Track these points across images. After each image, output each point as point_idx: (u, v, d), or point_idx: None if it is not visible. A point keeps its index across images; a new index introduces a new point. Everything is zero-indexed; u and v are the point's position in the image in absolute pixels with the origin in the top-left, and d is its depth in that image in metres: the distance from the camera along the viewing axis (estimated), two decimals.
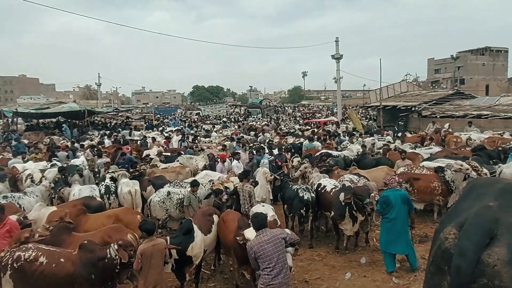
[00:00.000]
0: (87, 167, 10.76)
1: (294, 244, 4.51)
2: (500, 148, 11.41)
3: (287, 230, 4.67)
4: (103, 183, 8.58)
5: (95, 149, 13.54)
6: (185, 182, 8.29)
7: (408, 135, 16.64)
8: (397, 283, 5.72)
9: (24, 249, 4.54)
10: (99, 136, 20.11)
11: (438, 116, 20.68)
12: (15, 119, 26.99)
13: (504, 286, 1.46)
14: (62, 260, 4.48)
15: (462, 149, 12.40)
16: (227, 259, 6.17)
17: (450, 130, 16.55)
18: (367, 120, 28.25)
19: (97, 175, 10.41)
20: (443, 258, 1.64)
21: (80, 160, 11.76)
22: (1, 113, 25.13)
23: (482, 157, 9.91)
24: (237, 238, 4.88)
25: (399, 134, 16.55)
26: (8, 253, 4.55)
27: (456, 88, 32.42)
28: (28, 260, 4.40)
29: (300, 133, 18.65)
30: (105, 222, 6.21)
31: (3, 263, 4.48)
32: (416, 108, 22.52)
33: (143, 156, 12.88)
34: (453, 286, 1.56)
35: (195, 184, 7.25)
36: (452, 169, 8.24)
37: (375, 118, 26.55)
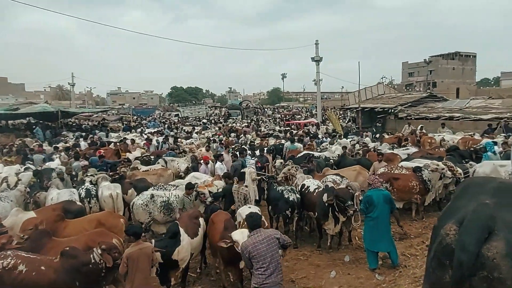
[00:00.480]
0: (64, 170, 10.41)
1: (286, 247, 4.54)
2: (471, 149, 11.93)
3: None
4: (83, 186, 8.32)
5: (72, 151, 13.15)
6: (169, 185, 8.17)
7: (386, 136, 17.13)
8: (380, 280, 5.87)
9: (2, 256, 4.36)
10: (74, 138, 19.52)
11: (413, 118, 21.39)
12: None
13: (502, 278, 1.55)
14: (43, 268, 4.34)
15: (436, 149, 12.91)
16: (214, 261, 6.14)
17: (424, 131, 17.18)
18: (346, 121, 28.81)
19: (75, 179, 10.11)
20: (445, 253, 1.72)
21: (55, 163, 11.38)
22: None
23: (456, 157, 10.35)
24: (223, 242, 4.85)
25: (377, 136, 16.99)
26: None
27: (429, 91, 33.60)
28: (6, 268, 4.23)
29: (280, 134, 18.79)
30: (87, 227, 6.03)
31: None
32: (393, 110, 23.19)
33: (120, 159, 12.54)
34: (455, 279, 1.64)
35: (189, 187, 7.19)
36: (429, 169, 8.58)
37: (354, 119, 27.11)
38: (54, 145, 15.80)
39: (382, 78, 62.65)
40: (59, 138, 20.26)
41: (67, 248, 4.56)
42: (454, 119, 20.11)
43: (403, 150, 12.47)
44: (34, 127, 25.54)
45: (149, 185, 8.58)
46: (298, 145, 13.78)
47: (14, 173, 9.53)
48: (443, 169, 8.48)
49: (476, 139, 14.03)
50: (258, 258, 4.23)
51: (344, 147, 12.47)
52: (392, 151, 12.11)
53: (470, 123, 18.98)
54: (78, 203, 7.45)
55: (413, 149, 12.36)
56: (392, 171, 9.15)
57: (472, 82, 65.99)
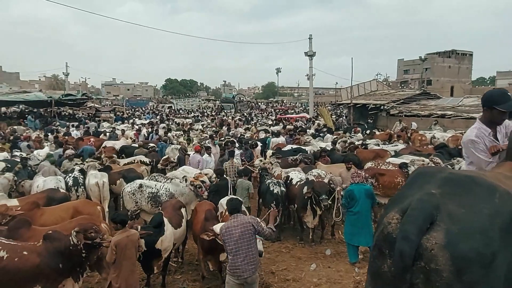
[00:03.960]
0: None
1: (266, 237, 4.56)
2: (460, 146, 12.03)
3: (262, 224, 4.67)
4: (70, 174, 8.25)
5: (58, 140, 13.12)
6: (162, 177, 8.04)
7: (377, 132, 17.21)
8: (359, 273, 5.95)
9: None
10: (65, 127, 19.43)
11: (405, 115, 21.50)
12: None
13: (439, 269, 1.57)
14: (25, 253, 4.32)
15: (425, 147, 13.01)
16: (196, 250, 6.19)
17: (415, 128, 17.32)
18: (337, 117, 28.89)
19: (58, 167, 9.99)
20: (385, 242, 1.73)
21: (44, 151, 11.32)
22: None
23: (444, 154, 10.44)
24: (205, 234, 4.89)
25: (368, 132, 17.08)
26: None
27: (423, 88, 33.73)
28: None
29: (269, 128, 18.79)
30: (63, 215, 5.93)
31: None
32: (385, 107, 23.29)
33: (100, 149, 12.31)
34: (395, 269, 1.66)
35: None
36: (415, 165, 8.64)
37: (346, 115, 27.19)
38: (44, 134, 15.75)
39: (377, 75, 62.63)
40: (50, 127, 20.15)
41: (50, 232, 4.55)
42: (446, 117, 20.27)
43: (392, 146, 12.55)
44: (26, 115, 25.39)
45: (139, 176, 8.55)
46: (282, 138, 13.81)
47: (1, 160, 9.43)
48: (428, 164, 8.55)
49: None
50: (230, 242, 4.30)
51: (333, 143, 12.52)
52: (382, 147, 12.18)
53: (462, 121, 19.12)
54: (62, 190, 7.40)
55: (401, 146, 12.45)
56: (378, 167, 9.21)
57: (468, 81, 66.25)
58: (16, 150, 11.77)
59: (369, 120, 23.21)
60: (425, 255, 1.58)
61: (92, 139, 13.98)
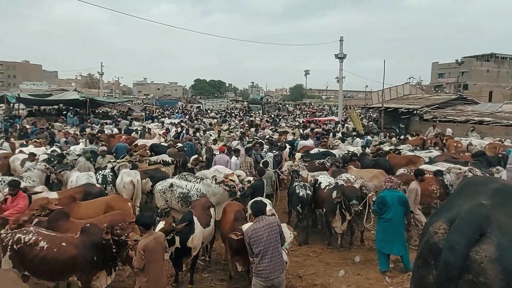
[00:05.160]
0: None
1: (282, 244, 4.51)
2: (500, 155, 11.44)
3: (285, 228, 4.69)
4: (100, 172, 8.52)
5: (94, 137, 13.68)
6: (193, 176, 8.14)
7: (410, 138, 16.68)
8: (390, 282, 5.77)
9: (24, 232, 4.59)
10: (100, 125, 20.24)
11: (439, 121, 20.70)
12: (16, 105, 26.99)
13: (488, 284, 1.49)
14: (64, 244, 4.53)
15: (461, 154, 12.45)
16: (224, 249, 6.24)
17: (450, 135, 16.63)
18: (368, 121, 28.24)
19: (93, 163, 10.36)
20: (431, 251, 1.67)
21: (79, 147, 11.84)
22: (4, 98, 25.09)
23: (482, 163, 9.94)
24: (233, 234, 4.91)
25: (401, 137, 16.60)
26: (10, 234, 4.60)
27: (459, 93, 32.33)
28: (27, 243, 4.44)
29: (291, 130, 18.73)
30: (97, 209, 6.20)
31: (3, 244, 4.54)
32: (418, 112, 22.51)
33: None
34: (439, 280, 1.59)
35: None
36: (451, 173, 8.28)
37: (376, 119, 26.53)
38: (80, 130, 16.50)
39: (409, 78, 60.77)
40: (86, 124, 21.04)
41: (88, 225, 4.74)
42: (484, 123, 19.34)
43: (426, 152, 12.11)
44: (64, 112, 26.67)
45: (165, 176, 8.71)
46: (310, 141, 13.74)
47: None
48: (465, 173, 8.17)
49: (506, 145, 13.45)
50: (257, 244, 4.28)
51: (363, 147, 12.26)
52: (415, 153, 11.79)
53: (501, 128, 18.22)
54: (98, 185, 7.70)
55: (436, 152, 11.98)
56: (412, 174, 8.90)
57: (508, 86, 62.79)
58: (56, 144, 12.40)
59: (400, 125, 22.52)
60: (473, 268, 1.50)
61: (123, 137, 14.46)
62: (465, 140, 15.07)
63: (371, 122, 26.56)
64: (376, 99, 27.93)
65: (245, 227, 4.87)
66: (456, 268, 1.53)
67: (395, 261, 6.37)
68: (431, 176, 8.59)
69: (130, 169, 8.62)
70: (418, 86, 44.96)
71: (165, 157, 10.96)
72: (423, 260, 1.69)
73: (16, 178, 7.08)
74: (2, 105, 26.26)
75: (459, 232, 1.58)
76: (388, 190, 6.18)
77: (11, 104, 26.38)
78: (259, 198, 5.84)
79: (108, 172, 8.47)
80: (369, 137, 15.73)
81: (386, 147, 12.90)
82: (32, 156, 9.34)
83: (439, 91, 49.18)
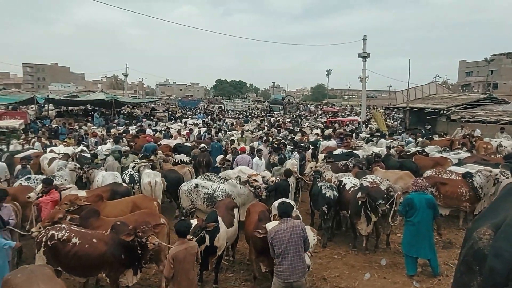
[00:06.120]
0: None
1: (306, 248, 4.47)
2: None
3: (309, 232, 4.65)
4: (126, 172, 8.71)
5: (120, 136, 14.05)
6: (217, 177, 8.20)
7: (436, 138, 16.20)
8: (419, 287, 5.62)
9: (58, 228, 4.77)
10: (124, 125, 20.76)
11: (467, 121, 19.97)
12: (46, 106, 28.06)
13: None
14: (95, 240, 4.68)
15: (492, 155, 11.96)
16: (248, 250, 6.26)
17: (479, 135, 16.00)
18: (392, 121, 27.62)
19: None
20: (475, 258, 1.61)
21: (107, 147, 12.17)
22: (34, 99, 26.17)
23: None
24: (257, 232, 4.92)
25: (428, 138, 16.12)
26: (43, 231, 4.78)
27: (488, 92, 31.09)
28: (61, 240, 4.61)
29: (309, 131, 18.56)
30: (123, 208, 6.38)
31: (38, 240, 4.73)
32: (445, 112, 21.81)
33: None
34: (484, 287, 1.53)
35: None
36: (482, 176, 7.98)
37: (401, 119, 25.91)
38: (106, 130, 16.99)
39: (435, 77, 58.95)
40: (112, 124, 21.62)
41: (118, 223, 4.86)
42: None
43: (454, 154, 11.73)
44: (91, 113, 27.54)
45: (180, 176, 8.85)
46: (332, 142, 13.66)
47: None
48: (496, 175, 7.85)
49: None
50: (278, 245, 4.30)
51: (388, 148, 12.00)
52: (442, 155, 11.44)
53: None
54: (125, 185, 7.88)
55: (465, 154, 11.58)
56: (440, 175, 8.66)
57: None
58: (83, 142, 12.84)
59: (426, 126, 21.89)
60: None
61: (148, 137, 14.77)
62: (495, 141, 14.48)
63: (396, 123, 25.95)
64: (401, 98, 27.27)
65: (269, 226, 4.87)
66: (502, 276, 1.47)
67: (423, 265, 6.20)
68: (460, 178, 8.33)
69: (151, 170, 8.74)
70: (444, 86, 43.62)
71: (183, 157, 11.13)
72: (467, 266, 1.63)
73: (49, 177, 7.34)
74: (32, 106, 27.35)
75: (505, 239, 1.52)
76: (416, 192, 6.02)
77: (41, 105, 27.48)
78: (286, 200, 5.80)
79: (135, 171, 8.65)
80: (410, 138, 15.23)
81: (412, 148, 12.57)
82: (66, 156, 9.69)
83: (467, 90, 47.56)
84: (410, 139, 15.28)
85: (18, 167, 8.92)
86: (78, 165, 8.84)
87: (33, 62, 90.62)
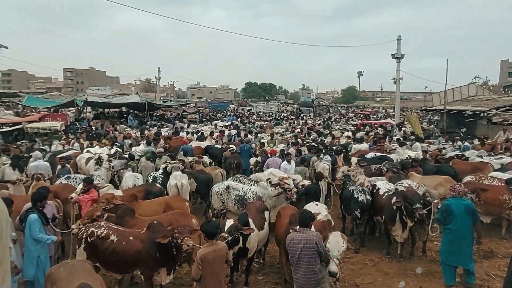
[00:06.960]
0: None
1: (323, 260, 4.34)
2: None
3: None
4: (151, 174, 8.83)
5: (155, 137, 14.47)
6: (244, 177, 8.23)
7: (476, 142, 15.41)
8: None
9: (97, 226, 4.97)
10: (157, 127, 21.36)
11: (509, 124, 18.84)
12: (84, 108, 29.40)
13: None
14: (131, 238, 4.84)
15: None
16: (278, 252, 6.23)
17: None
18: (428, 124, 26.54)
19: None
20: None
21: (140, 148, 12.55)
22: (74, 101, 27.51)
23: None
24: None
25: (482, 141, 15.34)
26: (83, 228, 5.01)
27: None
28: (100, 237, 4.81)
29: (340, 134, 18.24)
30: (156, 208, 6.55)
31: (78, 236, 4.95)
32: (486, 114, 20.70)
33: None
34: None
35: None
36: None
37: (438, 122, 24.86)
38: (140, 132, 17.56)
39: (474, 78, 55.87)
40: (145, 126, 22.30)
41: (155, 222, 5.00)
42: None
43: (496, 159, 11.09)
44: (125, 115, 28.57)
45: (209, 177, 8.93)
46: (364, 145, 13.34)
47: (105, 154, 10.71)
48: None
49: None
50: (292, 253, 4.38)
51: (425, 152, 11.56)
52: (481, 160, 10.86)
53: None
54: (158, 185, 8.07)
55: (508, 159, 10.92)
56: (480, 181, 8.22)
57: None
58: (116, 143, 13.36)
59: (461, 128, 20.88)
60: None
61: (185, 139, 15.11)
62: None
63: (432, 125, 24.93)
64: (438, 100, 26.19)
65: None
66: None
67: (462, 275, 5.89)
68: (502, 184, 7.88)
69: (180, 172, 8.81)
70: (484, 87, 41.42)
71: (206, 158, 11.31)
72: None
73: (89, 176, 7.68)
74: (72, 108, 28.74)
75: None
76: (454, 198, 5.73)
77: (80, 108, 28.84)
78: (313, 209, 5.65)
79: (159, 174, 8.69)
80: (467, 143, 14.39)
81: (450, 152, 12.03)
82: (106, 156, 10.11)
83: (509, 92, 44.84)
84: (463, 143, 14.36)
85: (59, 166, 9.39)
86: (112, 165, 9.18)
87: (72, 66, 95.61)
